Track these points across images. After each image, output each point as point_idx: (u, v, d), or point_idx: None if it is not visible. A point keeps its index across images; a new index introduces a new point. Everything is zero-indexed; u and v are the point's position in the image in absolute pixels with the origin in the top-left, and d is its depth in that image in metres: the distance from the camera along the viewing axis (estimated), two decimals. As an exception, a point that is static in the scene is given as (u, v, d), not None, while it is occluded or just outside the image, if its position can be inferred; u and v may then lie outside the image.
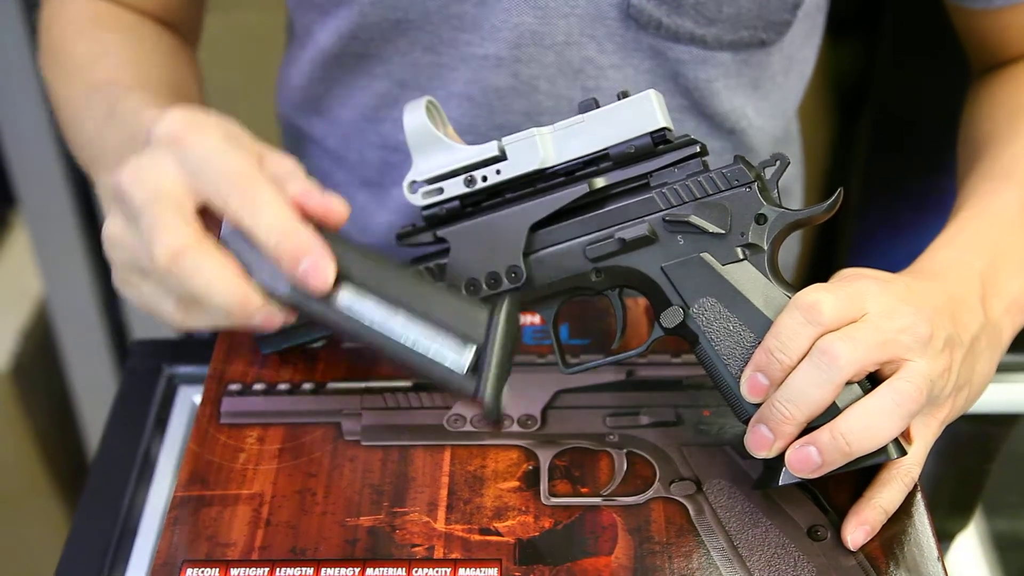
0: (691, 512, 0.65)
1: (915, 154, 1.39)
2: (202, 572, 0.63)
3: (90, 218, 1.57)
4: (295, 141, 0.97)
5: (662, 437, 0.69)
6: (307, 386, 0.73)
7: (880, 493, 0.63)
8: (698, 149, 0.66)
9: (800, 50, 0.87)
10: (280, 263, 0.58)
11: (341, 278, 0.60)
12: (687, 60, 0.81)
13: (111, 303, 1.62)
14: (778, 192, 0.66)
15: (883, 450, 0.61)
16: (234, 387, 0.73)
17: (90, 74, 0.80)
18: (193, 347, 0.83)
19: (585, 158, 0.67)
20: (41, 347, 1.61)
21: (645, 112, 0.66)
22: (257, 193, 0.57)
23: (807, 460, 0.60)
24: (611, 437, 0.69)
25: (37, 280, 1.61)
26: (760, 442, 0.61)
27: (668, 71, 0.81)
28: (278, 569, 0.63)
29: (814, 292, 0.61)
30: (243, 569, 0.63)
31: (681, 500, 0.65)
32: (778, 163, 0.66)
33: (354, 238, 0.94)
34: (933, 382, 0.61)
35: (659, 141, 0.66)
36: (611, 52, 0.80)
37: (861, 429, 0.59)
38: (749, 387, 0.61)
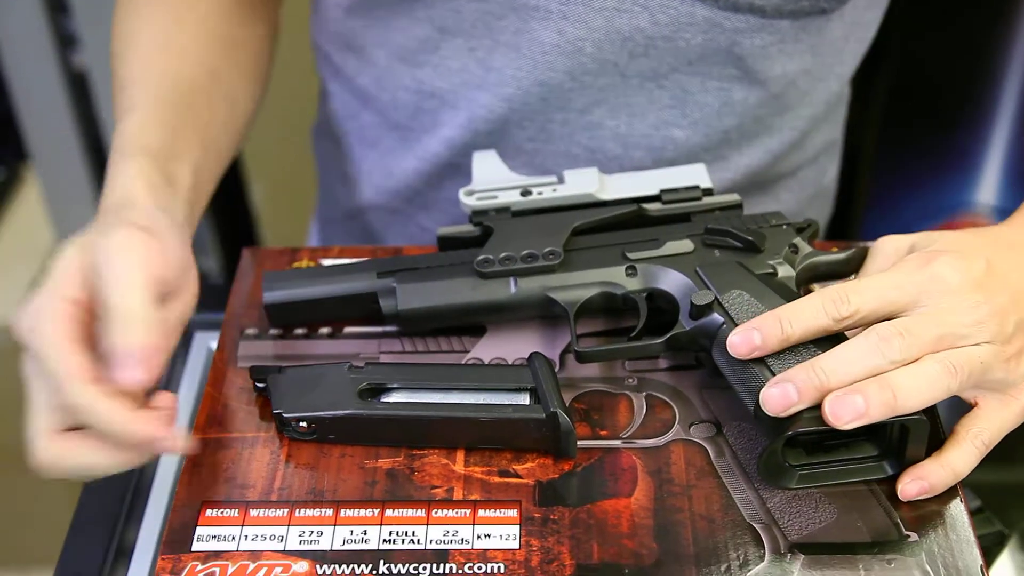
0: (711, 454, 0.64)
1: (932, 110, 1.37)
2: (222, 513, 0.63)
3: (101, 172, 1.56)
4: (326, 73, 0.95)
5: (681, 380, 0.69)
6: (324, 330, 0.73)
7: (950, 453, 0.62)
8: (737, 199, 0.74)
9: (864, 14, 0.85)
10: (134, 448, 0.61)
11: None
12: (744, 28, 0.79)
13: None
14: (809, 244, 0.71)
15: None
16: (251, 331, 0.73)
17: (122, 63, 0.79)
18: (209, 293, 0.83)
19: (637, 197, 0.74)
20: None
21: (696, 174, 0.75)
22: (85, 399, 0.60)
23: (852, 407, 0.58)
24: (630, 380, 0.69)
25: (48, 233, 1.61)
26: (782, 401, 0.59)
27: (723, 42, 0.80)
28: (297, 510, 0.63)
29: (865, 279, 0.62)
30: (262, 510, 0.63)
31: (701, 442, 0.65)
32: (809, 227, 0.72)
33: (378, 182, 0.93)
34: (988, 366, 0.60)
35: (705, 194, 0.74)
36: (663, 24, 0.78)
37: (910, 387, 0.58)
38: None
